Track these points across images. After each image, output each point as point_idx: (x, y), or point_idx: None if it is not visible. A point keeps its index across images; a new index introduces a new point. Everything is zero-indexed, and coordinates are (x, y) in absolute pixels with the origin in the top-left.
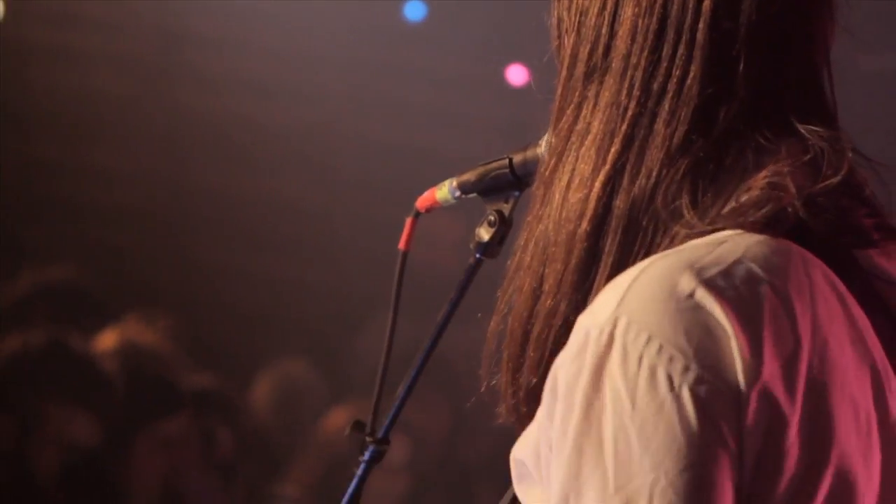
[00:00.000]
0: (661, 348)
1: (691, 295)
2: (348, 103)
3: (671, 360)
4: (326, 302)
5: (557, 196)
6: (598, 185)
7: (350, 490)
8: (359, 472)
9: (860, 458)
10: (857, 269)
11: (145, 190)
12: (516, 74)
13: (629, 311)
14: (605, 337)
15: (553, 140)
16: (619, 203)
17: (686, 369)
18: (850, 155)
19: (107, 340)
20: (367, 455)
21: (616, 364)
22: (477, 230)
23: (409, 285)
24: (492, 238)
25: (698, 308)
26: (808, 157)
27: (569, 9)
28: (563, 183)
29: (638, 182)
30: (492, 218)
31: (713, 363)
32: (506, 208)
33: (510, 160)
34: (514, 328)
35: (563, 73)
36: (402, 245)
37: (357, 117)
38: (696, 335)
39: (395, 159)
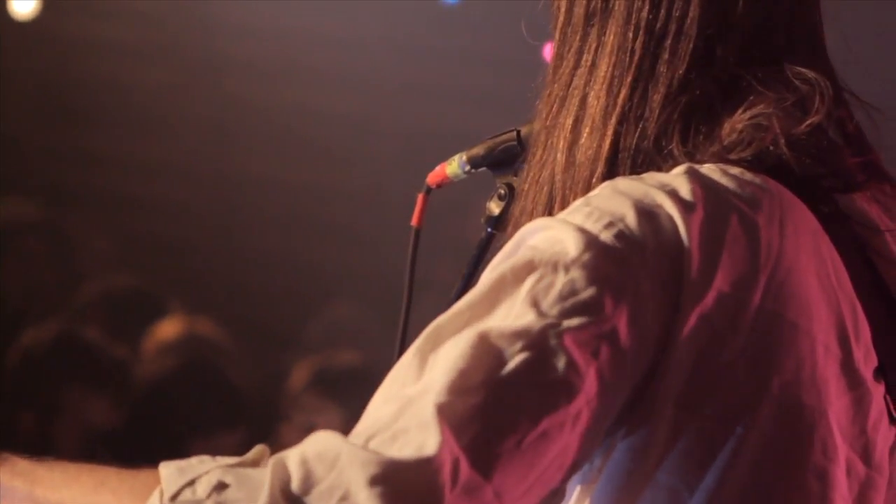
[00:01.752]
0: (620, 233)
1: (659, 206)
2: (389, 88)
3: (627, 243)
4: (374, 287)
5: (562, 141)
6: (610, 130)
7: None
8: None
9: (812, 389)
10: (836, 212)
11: (190, 180)
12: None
13: (595, 205)
14: (565, 222)
15: (552, 87)
16: (626, 144)
17: (639, 256)
18: (845, 97)
19: (163, 331)
20: None
21: (572, 231)
22: (487, 204)
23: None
24: (502, 211)
25: (665, 215)
26: (794, 98)
27: None
28: (568, 127)
29: (642, 123)
30: (502, 191)
31: (664, 265)
32: (515, 181)
33: (518, 132)
34: None
35: (560, 18)
36: (414, 221)
37: (397, 101)
38: (656, 234)
39: (437, 142)
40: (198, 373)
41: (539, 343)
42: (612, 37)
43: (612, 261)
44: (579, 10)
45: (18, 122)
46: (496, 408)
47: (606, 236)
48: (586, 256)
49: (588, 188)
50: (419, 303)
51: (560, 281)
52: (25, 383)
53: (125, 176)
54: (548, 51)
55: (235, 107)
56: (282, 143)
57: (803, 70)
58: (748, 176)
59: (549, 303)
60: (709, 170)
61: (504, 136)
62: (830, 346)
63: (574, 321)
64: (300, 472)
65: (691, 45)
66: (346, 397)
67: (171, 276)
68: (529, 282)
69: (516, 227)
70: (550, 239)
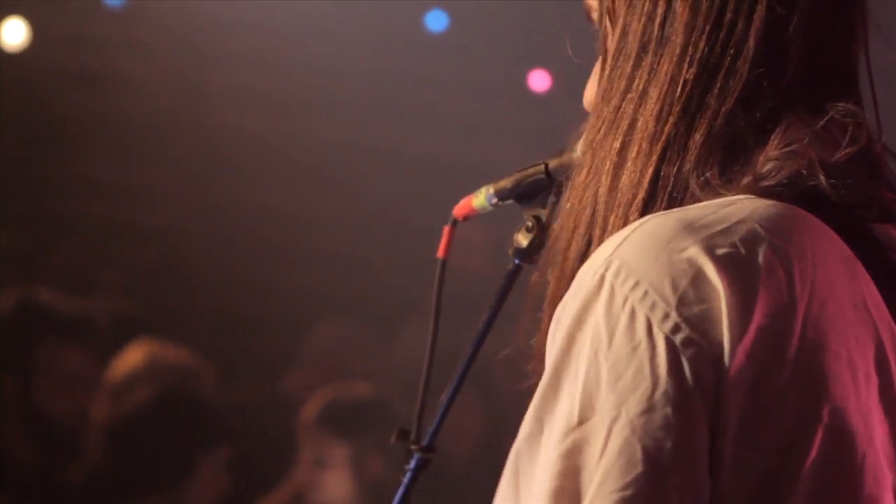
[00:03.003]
0: (645, 294)
1: (684, 249)
2: (374, 114)
3: (653, 306)
4: (363, 312)
5: (608, 163)
6: (655, 156)
7: (397, 498)
8: (405, 480)
9: (859, 417)
10: (871, 240)
11: (178, 207)
12: (538, 80)
13: (622, 257)
14: (596, 278)
15: (601, 109)
16: (668, 173)
17: (666, 317)
18: (874, 138)
19: (133, 356)
20: (413, 463)
21: (601, 303)
22: (515, 236)
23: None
24: (530, 243)
25: (690, 262)
26: (830, 128)
27: None
28: (616, 149)
29: (684, 154)
30: (529, 223)
31: (695, 316)
32: (543, 213)
33: (546, 166)
34: (559, 289)
35: (613, 44)
36: (440, 253)
37: (383, 128)
38: (682, 286)
39: (421, 168)
40: (189, 398)
41: (608, 444)
42: (665, 66)
43: (643, 331)
44: (633, 38)
45: (6, 149)
46: None
47: (634, 300)
48: (617, 329)
49: (628, 212)
50: (410, 326)
51: (604, 369)
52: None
53: (115, 203)
54: (532, 78)
55: (225, 135)
56: (271, 171)
57: (844, 105)
58: (777, 206)
59: (603, 394)
60: (738, 204)
61: (532, 170)
62: (870, 373)
63: (632, 407)
64: None
65: (742, 82)
66: (354, 428)
67: (160, 301)
68: (580, 375)
69: (555, 246)
70: (586, 308)
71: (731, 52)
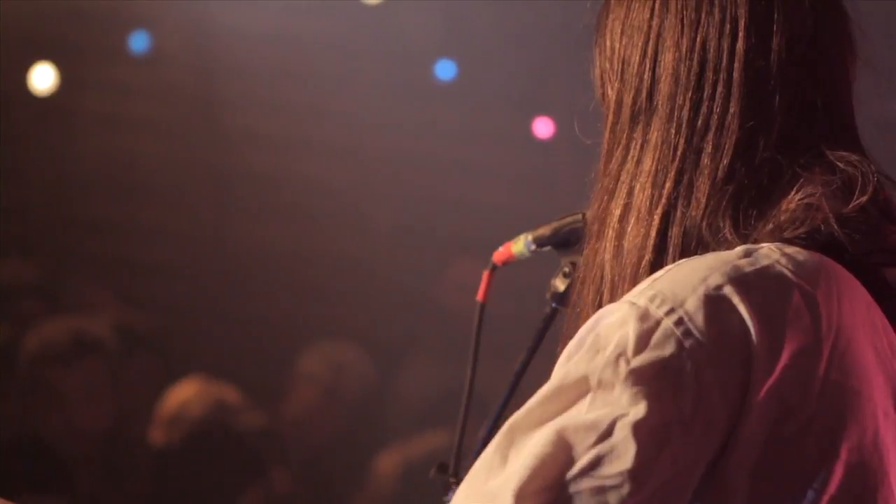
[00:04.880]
0: (680, 320)
1: (719, 287)
2: (383, 159)
3: (686, 333)
4: (370, 347)
5: (611, 230)
6: (656, 218)
7: None
8: None
9: (875, 454)
10: (885, 286)
11: (196, 246)
12: (542, 127)
13: (658, 288)
14: (628, 304)
15: (603, 180)
16: (674, 233)
17: (698, 346)
18: (877, 176)
19: (184, 390)
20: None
21: (633, 319)
22: (552, 281)
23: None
24: (567, 288)
25: (724, 300)
26: (839, 180)
27: (611, 60)
28: (616, 217)
29: (689, 212)
30: (566, 269)
31: (726, 350)
32: (580, 260)
33: (583, 215)
34: None
35: (610, 118)
36: (480, 297)
37: (391, 172)
38: (715, 320)
39: (428, 211)
40: (232, 432)
41: (609, 435)
42: (655, 133)
43: (673, 345)
44: (626, 109)
45: (28, 189)
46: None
47: (668, 323)
48: (650, 343)
49: (636, 275)
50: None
51: (623, 371)
52: None
53: (129, 242)
54: (537, 125)
55: (235, 177)
56: (278, 212)
57: (845, 153)
58: (804, 254)
59: (616, 394)
60: (768, 249)
61: (570, 219)
62: (888, 411)
63: (641, 409)
64: None
65: (734, 138)
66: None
67: (170, 337)
68: (596, 373)
69: (574, 311)
70: (615, 325)
71: (718, 111)
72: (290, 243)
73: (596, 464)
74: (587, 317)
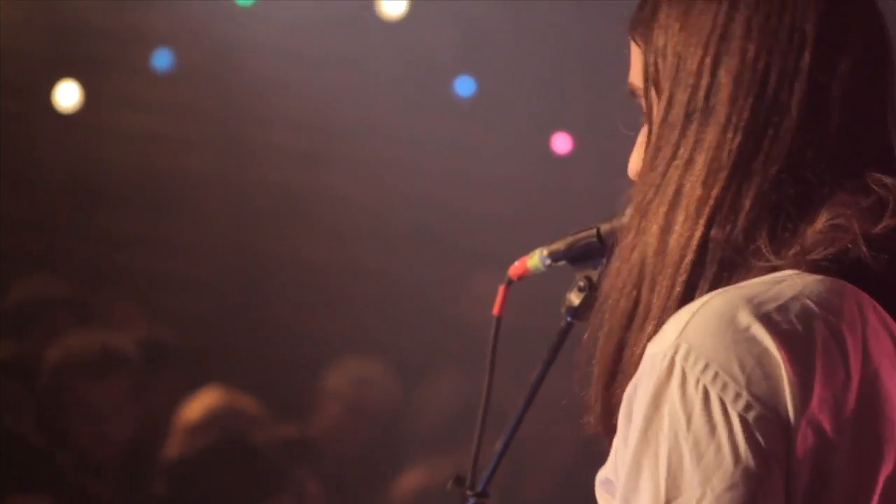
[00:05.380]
0: (716, 375)
1: (747, 328)
2: (404, 174)
3: (724, 386)
4: (392, 360)
5: (655, 226)
6: (703, 220)
7: None
8: None
9: None
10: None
11: (220, 259)
12: (561, 143)
13: (689, 339)
14: (666, 362)
15: (648, 175)
16: (716, 236)
17: (737, 396)
18: None
19: (205, 399)
20: None
21: (675, 387)
22: (567, 295)
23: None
24: (582, 302)
25: (753, 340)
26: (871, 202)
27: (663, 54)
28: (661, 214)
29: (733, 217)
30: (581, 284)
31: (763, 392)
32: (594, 274)
33: (598, 229)
34: (607, 345)
35: (659, 114)
36: (496, 311)
37: (412, 186)
38: (749, 365)
39: (448, 226)
40: (235, 441)
41: None
42: (710, 134)
43: (718, 407)
44: (679, 108)
45: (54, 204)
46: None
47: (705, 381)
48: (694, 413)
49: (676, 273)
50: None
51: (686, 448)
52: None
53: (154, 256)
54: (555, 140)
55: (258, 191)
56: (300, 226)
57: (881, 176)
58: (827, 283)
59: (688, 475)
60: (791, 281)
61: (585, 233)
62: None
63: (717, 484)
64: None
65: (786, 149)
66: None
67: (196, 350)
68: (661, 458)
69: (604, 304)
70: (659, 397)
71: (775, 119)
72: (312, 257)
73: None
74: (621, 310)
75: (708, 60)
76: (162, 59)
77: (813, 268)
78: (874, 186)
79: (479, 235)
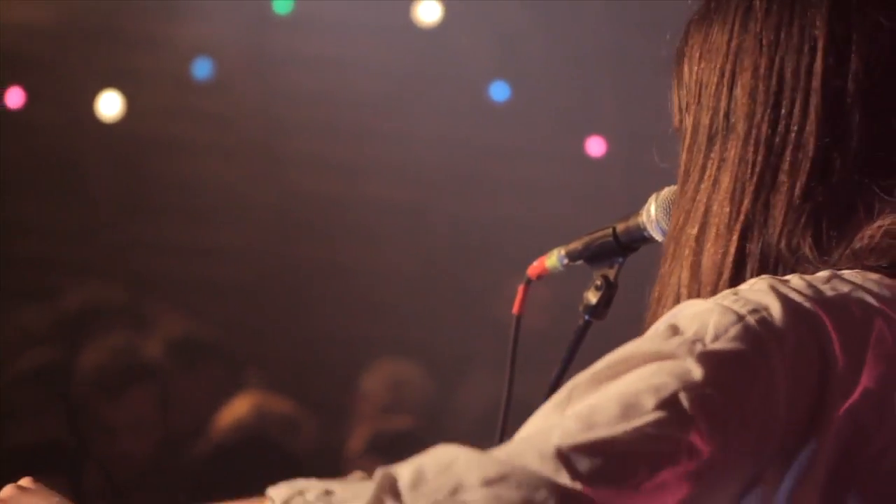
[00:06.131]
0: (763, 320)
1: (803, 302)
2: (440, 179)
3: (769, 333)
4: (429, 362)
5: (687, 250)
6: (735, 236)
7: None
8: None
9: None
10: None
11: (254, 266)
12: (595, 146)
13: (741, 293)
14: (714, 302)
15: (680, 201)
16: (752, 250)
17: (779, 349)
18: None
19: (240, 405)
20: None
21: (717, 312)
22: (585, 294)
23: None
24: (599, 301)
25: (810, 313)
26: None
27: (689, 85)
28: (693, 237)
29: (767, 229)
30: (598, 282)
31: (804, 362)
32: (611, 273)
33: (614, 229)
34: None
35: (687, 140)
36: (515, 310)
37: (447, 191)
38: (801, 329)
39: (484, 229)
40: (267, 445)
41: (672, 404)
42: (733, 152)
43: (751, 341)
44: (703, 130)
45: (97, 212)
46: (620, 449)
47: (751, 320)
48: (728, 333)
49: (715, 293)
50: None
51: (698, 350)
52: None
53: (196, 262)
54: (589, 144)
55: (296, 197)
56: (338, 231)
57: None
58: (888, 281)
59: (686, 367)
60: (851, 275)
61: (601, 233)
62: None
63: (708, 391)
64: (411, 473)
65: (811, 157)
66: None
67: (236, 354)
68: (669, 349)
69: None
70: (695, 316)
71: (795, 128)
72: (350, 262)
73: (653, 427)
74: None
75: (724, 81)
76: (202, 69)
77: (870, 270)
78: None
79: (513, 238)
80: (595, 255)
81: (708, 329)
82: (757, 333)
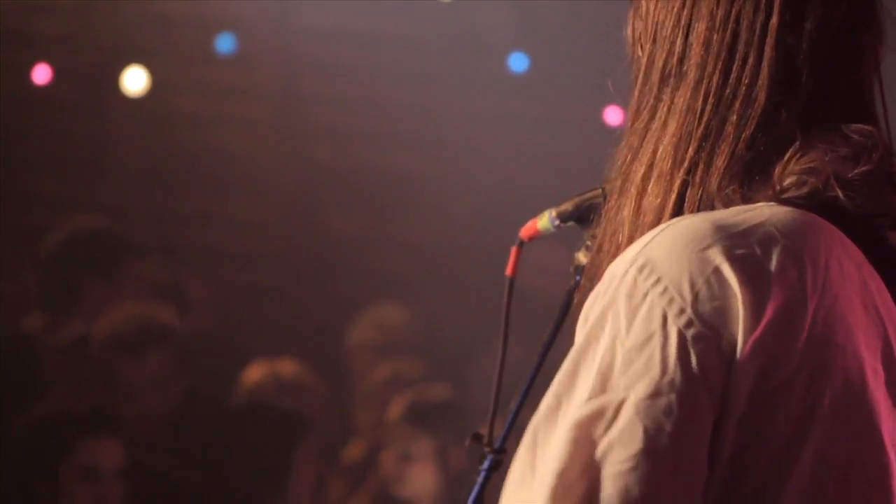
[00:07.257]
0: (665, 290)
1: (705, 248)
2: (460, 150)
3: (671, 301)
4: (452, 332)
5: (633, 188)
6: (677, 180)
7: (472, 497)
8: (479, 479)
9: (864, 406)
10: (886, 247)
11: (279, 237)
12: (613, 115)
13: (647, 255)
14: (622, 275)
15: (629, 138)
16: (691, 196)
17: (681, 312)
18: (890, 155)
19: (251, 375)
20: (486, 464)
21: (624, 295)
22: (576, 255)
23: (519, 310)
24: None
25: (707, 261)
26: (848, 148)
27: (644, 20)
28: (639, 175)
29: (707, 178)
30: (589, 243)
31: (708, 312)
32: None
33: (603, 189)
34: None
35: (640, 77)
36: (508, 272)
37: (467, 162)
38: (698, 284)
39: (503, 199)
40: (292, 413)
41: (615, 420)
42: (682, 100)
43: (658, 320)
44: (656, 72)
45: (123, 186)
46: (596, 496)
47: (653, 295)
48: (637, 318)
49: None
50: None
51: (620, 352)
52: None
53: (222, 234)
54: (608, 113)
55: (321, 171)
56: (363, 203)
57: (861, 126)
58: (794, 213)
59: (615, 380)
60: (759, 209)
61: (591, 193)
62: (877, 368)
63: (639, 388)
64: None
65: (760, 109)
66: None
67: (265, 323)
68: (595, 362)
69: (594, 263)
70: (608, 303)
71: (746, 82)
72: (372, 233)
73: (608, 452)
74: (606, 266)
75: (681, 25)
76: (225, 44)
77: (785, 203)
78: (853, 136)
79: (534, 207)
80: (585, 216)
81: (621, 322)
82: (662, 309)
